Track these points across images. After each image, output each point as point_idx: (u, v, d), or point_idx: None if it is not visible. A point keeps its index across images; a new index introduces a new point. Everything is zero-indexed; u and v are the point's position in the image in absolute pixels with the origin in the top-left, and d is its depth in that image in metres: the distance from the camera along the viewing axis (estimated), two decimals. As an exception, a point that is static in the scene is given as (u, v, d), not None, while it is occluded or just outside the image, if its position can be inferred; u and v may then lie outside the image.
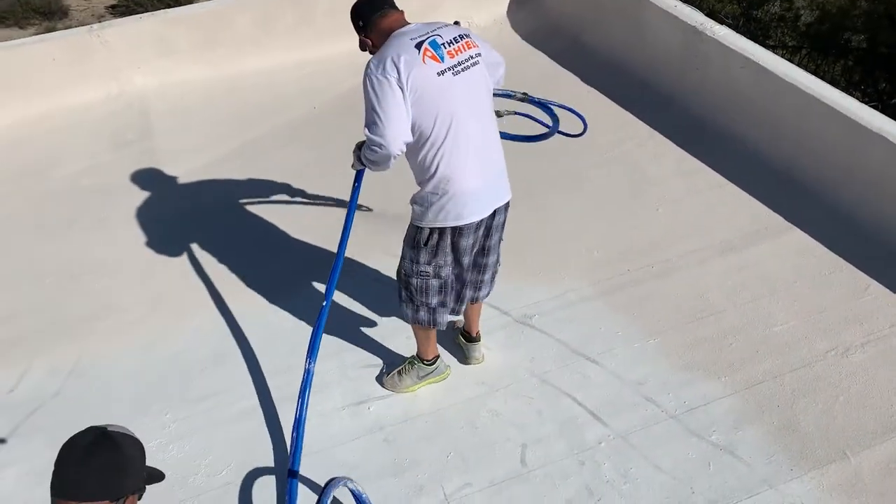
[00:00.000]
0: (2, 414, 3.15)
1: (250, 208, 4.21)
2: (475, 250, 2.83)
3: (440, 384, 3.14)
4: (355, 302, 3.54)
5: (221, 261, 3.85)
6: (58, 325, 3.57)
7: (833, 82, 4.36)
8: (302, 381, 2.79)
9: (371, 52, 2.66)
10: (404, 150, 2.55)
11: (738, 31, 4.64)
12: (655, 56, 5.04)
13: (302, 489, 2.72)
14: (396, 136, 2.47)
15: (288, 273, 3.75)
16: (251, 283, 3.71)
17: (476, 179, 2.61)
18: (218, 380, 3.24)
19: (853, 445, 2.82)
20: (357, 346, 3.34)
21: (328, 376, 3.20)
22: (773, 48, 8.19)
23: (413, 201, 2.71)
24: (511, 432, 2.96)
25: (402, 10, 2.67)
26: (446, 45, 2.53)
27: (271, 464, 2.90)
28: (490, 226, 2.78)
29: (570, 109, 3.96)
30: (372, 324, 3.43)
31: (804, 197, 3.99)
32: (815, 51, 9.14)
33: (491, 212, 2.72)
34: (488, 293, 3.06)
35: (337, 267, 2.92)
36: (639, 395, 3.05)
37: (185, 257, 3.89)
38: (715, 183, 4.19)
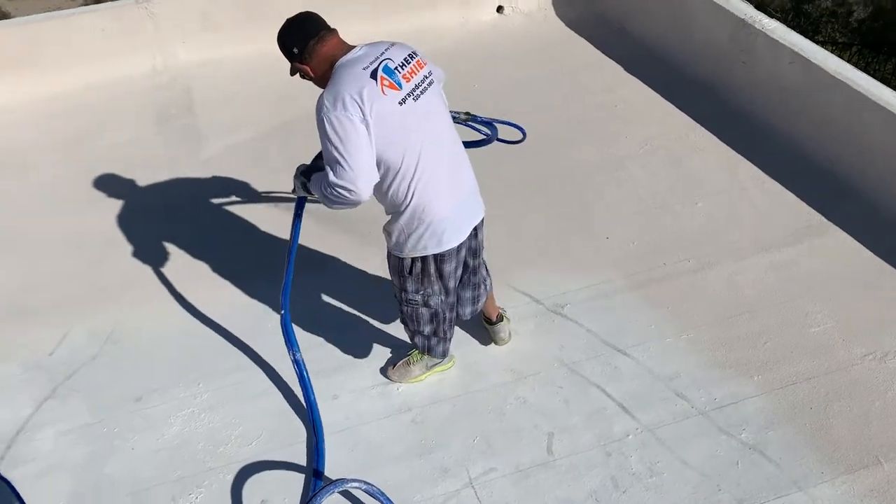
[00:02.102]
0: (42, 375, 3.24)
1: (288, 186, 4.23)
2: (460, 271, 2.76)
3: (468, 370, 3.15)
4: (386, 283, 3.55)
5: (260, 236, 3.89)
6: (98, 292, 3.65)
7: (884, 81, 4.24)
8: (297, 373, 2.87)
9: (308, 79, 2.49)
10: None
11: (786, 26, 4.54)
12: (701, 47, 4.95)
13: (327, 468, 2.78)
14: (368, 180, 2.33)
15: (324, 250, 3.77)
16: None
17: (451, 204, 2.51)
18: (252, 352, 3.29)
19: (888, 452, 2.77)
20: (389, 326, 3.35)
21: (359, 355, 3.23)
22: (822, 44, 8.00)
23: (386, 231, 2.60)
24: (538, 420, 2.96)
25: (335, 30, 2.45)
26: (399, 68, 2.37)
27: (302, 436, 2.95)
28: (472, 246, 2.72)
29: (512, 124, 3.53)
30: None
31: (847, 196, 3.91)
32: (865, 48, 8.92)
33: (470, 231, 2.63)
34: (483, 303, 3.03)
35: (287, 289, 2.84)
36: (669, 390, 3.03)
37: (223, 232, 3.94)
38: (757, 179, 4.12)
